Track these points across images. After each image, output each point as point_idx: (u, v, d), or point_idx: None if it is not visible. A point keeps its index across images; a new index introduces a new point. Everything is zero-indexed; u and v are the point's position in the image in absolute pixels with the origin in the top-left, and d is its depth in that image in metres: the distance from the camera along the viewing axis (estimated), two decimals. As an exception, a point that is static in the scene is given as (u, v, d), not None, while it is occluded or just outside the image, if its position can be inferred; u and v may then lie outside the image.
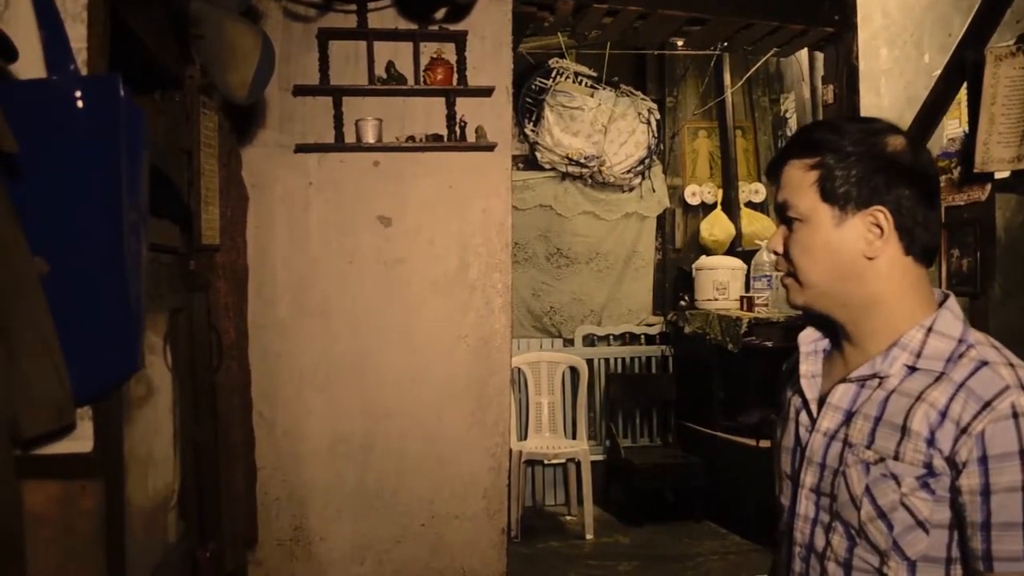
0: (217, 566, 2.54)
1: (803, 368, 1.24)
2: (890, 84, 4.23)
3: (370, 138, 3.17)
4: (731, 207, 5.46)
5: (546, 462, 5.10)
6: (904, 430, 1.08)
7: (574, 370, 5.15)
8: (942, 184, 2.95)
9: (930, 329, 1.12)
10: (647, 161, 5.35)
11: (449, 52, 3.23)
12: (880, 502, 1.09)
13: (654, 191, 5.42)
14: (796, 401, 1.25)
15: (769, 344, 4.53)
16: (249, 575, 3.05)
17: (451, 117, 3.24)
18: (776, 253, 1.21)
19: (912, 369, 1.11)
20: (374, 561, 3.26)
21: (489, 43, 3.28)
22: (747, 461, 4.54)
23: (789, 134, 5.44)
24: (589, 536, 4.66)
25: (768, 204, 5.48)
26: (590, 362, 5.29)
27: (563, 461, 5.03)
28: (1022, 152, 2.67)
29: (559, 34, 4.64)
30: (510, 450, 3.43)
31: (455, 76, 3.22)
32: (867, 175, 1.12)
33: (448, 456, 3.29)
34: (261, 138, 3.18)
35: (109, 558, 1.60)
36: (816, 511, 1.18)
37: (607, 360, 5.43)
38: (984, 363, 1.07)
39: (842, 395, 1.17)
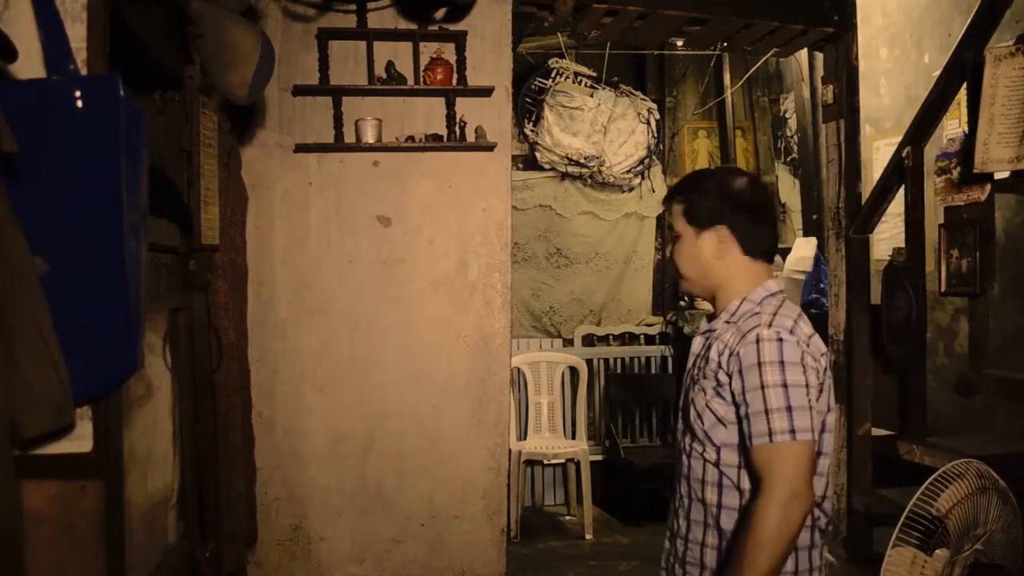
0: (217, 566, 2.54)
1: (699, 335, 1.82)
2: (890, 84, 4.23)
3: (370, 138, 3.17)
4: (731, 207, 5.45)
5: (545, 462, 5.10)
6: (707, 358, 1.68)
7: (574, 370, 5.15)
8: (942, 184, 2.95)
9: (744, 299, 1.70)
10: (647, 161, 5.35)
11: (449, 52, 3.23)
12: (697, 407, 1.68)
13: (654, 191, 5.41)
14: None
15: (769, 344, 4.52)
16: (249, 575, 3.05)
17: (451, 117, 3.24)
18: (671, 261, 1.82)
19: (729, 324, 1.69)
20: (374, 561, 3.26)
21: (489, 43, 3.28)
22: (747, 461, 4.53)
23: (789, 134, 5.45)
24: (588, 536, 4.66)
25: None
26: (590, 362, 5.28)
27: (563, 461, 5.03)
28: (1022, 152, 2.67)
29: (559, 34, 4.64)
30: (509, 450, 3.43)
31: (455, 76, 3.22)
32: (715, 205, 1.71)
33: (448, 456, 3.29)
34: (261, 138, 3.18)
35: (109, 558, 1.60)
36: (679, 422, 1.77)
37: (607, 360, 5.42)
38: (756, 314, 1.65)
39: (697, 344, 1.79)
